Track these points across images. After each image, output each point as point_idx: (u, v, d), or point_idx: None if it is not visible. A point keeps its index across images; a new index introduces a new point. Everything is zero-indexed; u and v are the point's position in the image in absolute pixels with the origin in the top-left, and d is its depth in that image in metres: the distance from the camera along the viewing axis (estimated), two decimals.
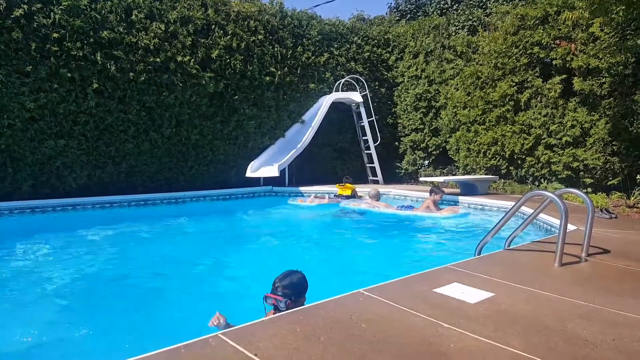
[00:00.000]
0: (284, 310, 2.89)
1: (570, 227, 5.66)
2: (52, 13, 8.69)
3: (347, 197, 10.29)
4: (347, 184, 10.62)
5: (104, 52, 9.33)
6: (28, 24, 8.45)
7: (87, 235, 7.07)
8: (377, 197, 9.78)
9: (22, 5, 8.33)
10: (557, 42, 10.35)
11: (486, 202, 9.29)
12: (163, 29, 10.11)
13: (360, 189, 11.09)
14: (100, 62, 9.25)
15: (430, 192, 9.04)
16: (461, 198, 9.78)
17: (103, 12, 9.37)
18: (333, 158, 14.12)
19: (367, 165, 13.98)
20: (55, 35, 8.70)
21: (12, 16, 8.23)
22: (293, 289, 3.05)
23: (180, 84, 10.40)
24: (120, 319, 3.92)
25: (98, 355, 3.24)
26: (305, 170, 13.29)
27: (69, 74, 8.91)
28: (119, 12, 9.60)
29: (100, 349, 3.32)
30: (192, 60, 10.53)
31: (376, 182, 13.40)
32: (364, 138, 13.81)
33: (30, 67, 8.52)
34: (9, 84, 8.33)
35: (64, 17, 8.80)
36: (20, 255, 5.94)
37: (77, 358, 3.21)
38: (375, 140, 13.44)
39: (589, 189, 9.96)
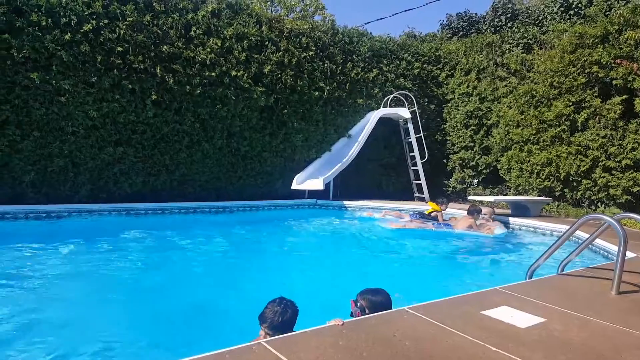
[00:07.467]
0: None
1: (630, 254, 5.37)
2: (117, 28, 9.21)
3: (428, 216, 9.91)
4: (431, 203, 10.25)
5: (163, 66, 9.78)
6: (95, 38, 9.00)
7: (140, 240, 7.35)
8: (491, 216, 9.39)
9: (91, 21, 8.88)
10: (618, 61, 9.91)
11: (538, 225, 8.95)
12: (219, 44, 10.48)
13: (414, 206, 10.90)
14: (159, 75, 9.70)
15: (469, 212, 8.86)
16: (512, 219, 9.45)
17: (164, 27, 9.86)
18: (379, 173, 14.05)
19: (414, 181, 13.81)
20: (120, 49, 9.21)
21: (82, 31, 8.79)
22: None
23: (233, 98, 10.71)
24: (165, 326, 4.02)
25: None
26: (350, 184, 13.28)
27: (130, 86, 9.40)
28: (179, 27, 10.06)
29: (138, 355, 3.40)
30: (245, 75, 10.84)
31: (422, 199, 13.20)
32: (411, 154, 13.67)
33: (95, 78, 9.04)
34: (75, 94, 8.88)
35: (128, 32, 9.32)
36: (68, 254, 6.26)
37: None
38: (422, 157, 13.28)
39: None
